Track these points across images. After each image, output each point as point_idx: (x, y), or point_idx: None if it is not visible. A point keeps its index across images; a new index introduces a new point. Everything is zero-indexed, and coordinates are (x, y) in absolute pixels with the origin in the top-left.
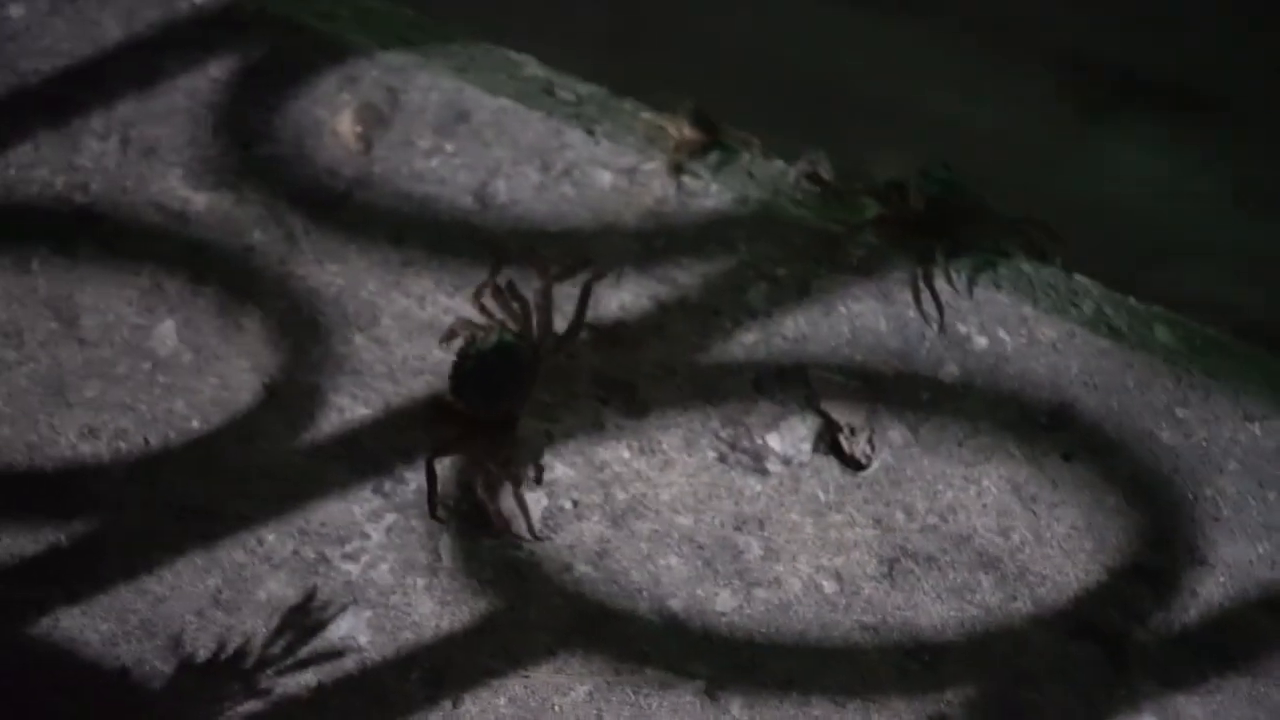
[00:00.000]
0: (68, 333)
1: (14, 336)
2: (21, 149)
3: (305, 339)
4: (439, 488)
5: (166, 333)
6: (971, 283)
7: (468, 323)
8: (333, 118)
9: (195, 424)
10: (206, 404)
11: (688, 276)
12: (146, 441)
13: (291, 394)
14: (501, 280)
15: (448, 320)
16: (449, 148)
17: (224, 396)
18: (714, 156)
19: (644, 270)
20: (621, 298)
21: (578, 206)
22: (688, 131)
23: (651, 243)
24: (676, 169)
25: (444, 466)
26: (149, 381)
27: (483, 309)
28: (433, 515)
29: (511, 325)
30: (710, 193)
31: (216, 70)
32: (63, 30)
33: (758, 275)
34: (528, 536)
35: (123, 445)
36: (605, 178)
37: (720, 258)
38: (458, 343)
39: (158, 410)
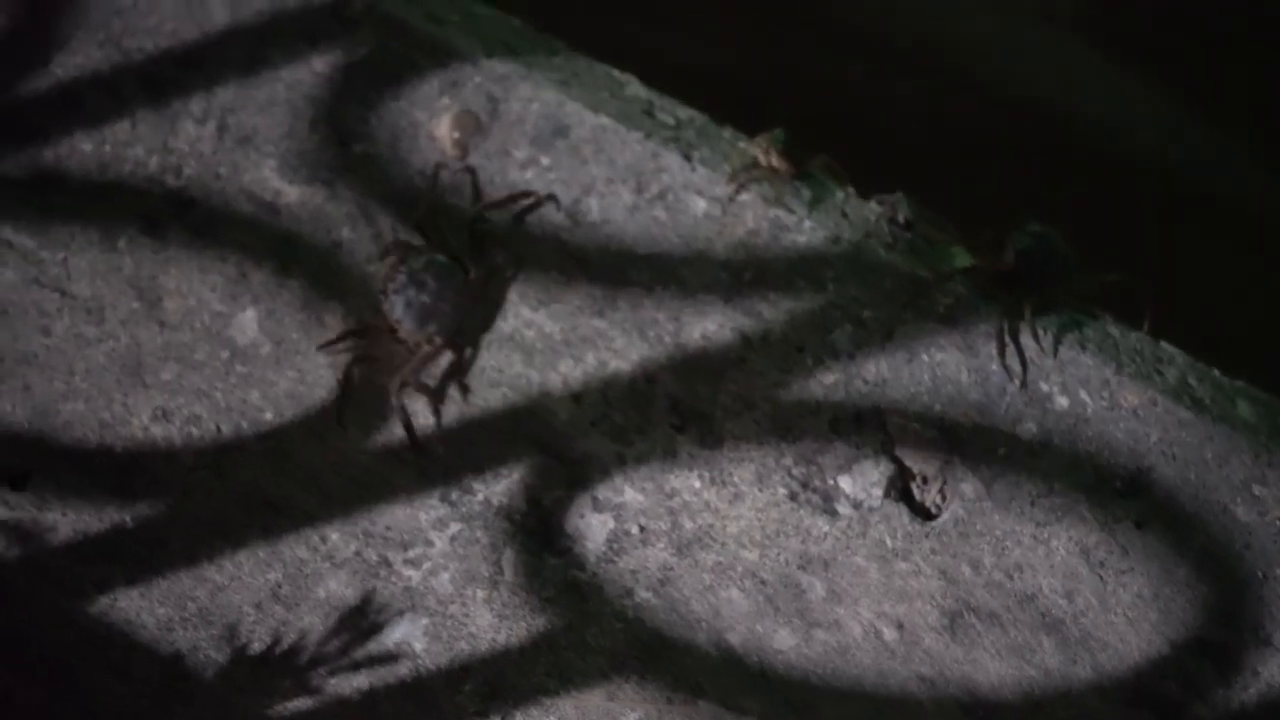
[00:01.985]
0: (149, 314)
1: (95, 313)
2: (118, 126)
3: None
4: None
5: (247, 322)
6: (1057, 341)
7: (403, 244)
8: (431, 121)
9: (269, 416)
10: (282, 397)
11: (773, 311)
12: (218, 429)
13: (367, 395)
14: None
15: (529, 334)
16: (545, 161)
17: (300, 391)
18: (808, 193)
19: (730, 302)
20: (705, 327)
21: (669, 231)
22: (775, 160)
23: (740, 274)
24: (760, 195)
25: (517, 474)
26: (226, 370)
27: (421, 231)
28: (339, 422)
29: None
30: (803, 229)
31: (320, 64)
32: (169, 10)
33: (844, 316)
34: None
35: (194, 431)
36: (699, 205)
37: (808, 295)
38: (391, 261)
39: (232, 399)
